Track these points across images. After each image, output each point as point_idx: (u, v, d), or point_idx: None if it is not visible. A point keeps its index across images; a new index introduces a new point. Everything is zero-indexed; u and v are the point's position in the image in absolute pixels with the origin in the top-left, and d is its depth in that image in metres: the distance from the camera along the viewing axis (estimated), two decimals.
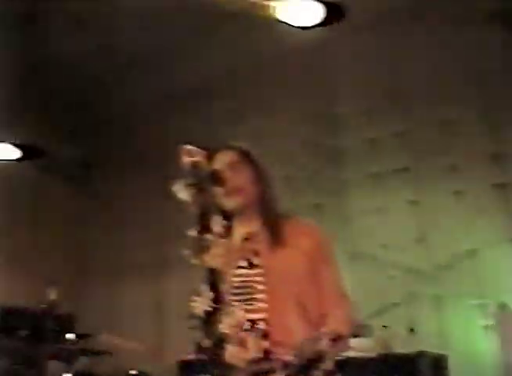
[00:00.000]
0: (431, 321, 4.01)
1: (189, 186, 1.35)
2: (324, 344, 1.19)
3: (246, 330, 1.57)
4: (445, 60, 4.42)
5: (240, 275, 1.76)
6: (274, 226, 1.77)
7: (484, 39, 4.25)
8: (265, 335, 1.58)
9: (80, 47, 5.05)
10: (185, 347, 2.30)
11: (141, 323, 5.02)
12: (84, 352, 2.02)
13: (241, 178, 1.79)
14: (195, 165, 1.42)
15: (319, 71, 5.02)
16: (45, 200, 5.30)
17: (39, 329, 1.97)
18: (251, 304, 1.69)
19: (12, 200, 4.99)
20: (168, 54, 5.25)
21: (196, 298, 1.26)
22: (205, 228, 1.31)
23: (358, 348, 2.80)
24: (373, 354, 2.88)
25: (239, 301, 1.71)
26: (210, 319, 1.22)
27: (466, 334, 3.91)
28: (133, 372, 1.90)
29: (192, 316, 1.21)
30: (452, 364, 3.53)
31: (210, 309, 1.23)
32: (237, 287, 1.73)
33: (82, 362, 1.81)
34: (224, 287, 1.31)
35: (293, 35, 4.45)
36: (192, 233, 1.31)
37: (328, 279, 1.77)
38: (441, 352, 3.58)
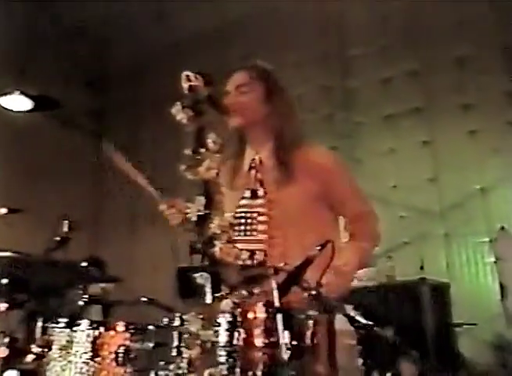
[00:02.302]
0: (440, 259, 4.07)
1: (185, 108, 1.39)
2: (315, 251, 1.24)
3: (244, 259, 1.63)
4: None
5: (243, 205, 1.80)
6: (284, 156, 1.76)
7: None
8: (262, 265, 1.63)
9: None
10: None
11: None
12: (96, 279, 2.10)
13: (246, 98, 1.79)
14: (192, 89, 1.45)
15: (332, 9, 4.90)
16: (58, 150, 5.38)
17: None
18: (251, 235, 1.73)
19: (24, 150, 5.09)
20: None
21: (189, 205, 1.34)
22: (199, 145, 1.36)
23: (361, 277, 2.86)
24: (375, 283, 2.94)
25: (240, 231, 1.76)
26: (201, 223, 1.29)
27: (471, 268, 3.98)
28: (144, 299, 1.96)
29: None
30: (454, 294, 3.59)
31: (201, 213, 1.29)
32: (239, 218, 1.78)
33: (95, 288, 1.91)
34: (217, 197, 1.36)
35: None
36: (187, 151, 1.36)
37: (343, 191, 1.78)
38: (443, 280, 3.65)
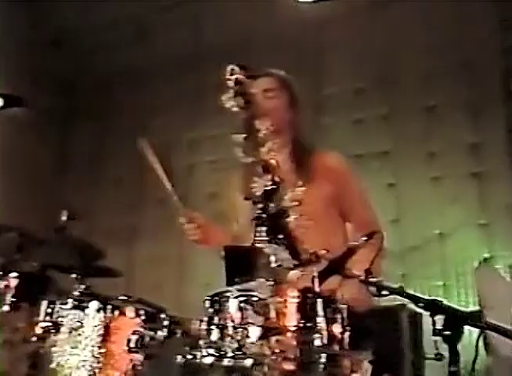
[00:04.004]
0: None
1: (237, 96, 1.40)
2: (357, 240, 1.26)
3: None
4: (434, 48, 4.56)
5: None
6: (301, 158, 1.82)
7: (473, 29, 4.43)
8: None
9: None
10: None
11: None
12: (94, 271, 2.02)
13: (274, 103, 1.84)
14: (239, 81, 1.46)
15: (310, 47, 5.09)
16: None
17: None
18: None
19: None
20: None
21: (255, 179, 1.33)
22: (252, 132, 1.37)
23: None
24: None
25: (262, 232, 1.77)
26: (268, 197, 1.28)
27: None
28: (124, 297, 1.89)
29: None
30: None
31: (268, 187, 1.29)
32: (258, 219, 1.78)
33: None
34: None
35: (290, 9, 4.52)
36: (239, 137, 1.36)
37: (354, 197, 1.84)
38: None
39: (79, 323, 1.59)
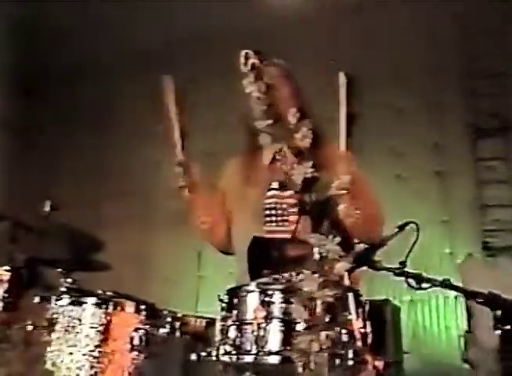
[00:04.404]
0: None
1: (258, 80, 1.36)
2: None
3: None
4: (401, 48, 4.65)
5: (272, 197, 1.79)
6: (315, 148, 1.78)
7: (438, 34, 4.56)
8: None
9: None
10: None
11: None
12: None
13: (279, 92, 1.80)
14: (255, 67, 1.43)
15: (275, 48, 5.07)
16: None
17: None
18: (283, 225, 1.73)
19: None
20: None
21: (295, 166, 1.30)
22: (277, 118, 1.34)
23: None
24: None
25: (272, 222, 1.75)
26: (309, 185, 1.26)
27: None
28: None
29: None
30: None
31: (309, 175, 1.27)
32: (269, 209, 1.76)
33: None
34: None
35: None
36: (263, 123, 1.33)
37: (364, 194, 1.82)
38: None
39: (76, 321, 1.50)
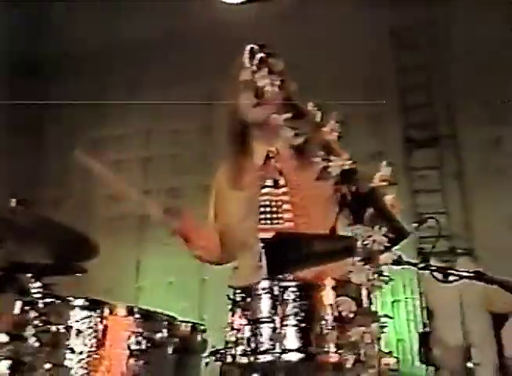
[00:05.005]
0: None
1: (272, 73, 1.34)
2: None
3: None
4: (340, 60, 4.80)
5: (266, 194, 1.76)
6: (300, 143, 1.77)
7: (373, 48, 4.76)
8: None
9: None
10: None
11: None
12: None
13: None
14: (264, 60, 1.40)
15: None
16: None
17: None
18: (278, 223, 1.70)
19: None
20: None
21: (332, 157, 1.27)
22: (299, 111, 1.33)
23: None
24: None
25: (267, 219, 1.72)
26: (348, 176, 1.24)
27: None
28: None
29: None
30: None
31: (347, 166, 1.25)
32: (264, 206, 1.73)
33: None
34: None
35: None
36: (285, 116, 1.30)
37: None
38: None
39: (66, 325, 1.38)
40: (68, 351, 1.34)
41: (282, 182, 1.80)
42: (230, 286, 1.85)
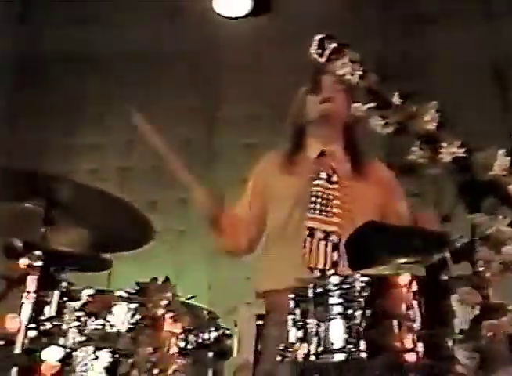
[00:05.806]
0: None
1: (354, 63, 1.35)
2: None
3: (320, 239, 1.61)
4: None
5: (319, 185, 1.80)
6: (357, 154, 1.84)
7: None
8: (336, 248, 1.64)
9: None
10: None
11: None
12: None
13: (341, 94, 1.82)
14: (336, 51, 1.38)
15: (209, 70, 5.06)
16: None
17: None
18: (326, 215, 1.73)
19: None
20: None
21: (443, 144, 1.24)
22: (385, 102, 1.31)
23: None
24: None
25: (316, 210, 1.74)
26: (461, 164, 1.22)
27: None
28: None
29: None
30: None
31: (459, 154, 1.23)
32: (316, 196, 1.76)
33: None
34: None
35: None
36: (364, 107, 1.30)
37: (399, 211, 1.86)
38: None
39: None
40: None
41: (335, 178, 1.86)
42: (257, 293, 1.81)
